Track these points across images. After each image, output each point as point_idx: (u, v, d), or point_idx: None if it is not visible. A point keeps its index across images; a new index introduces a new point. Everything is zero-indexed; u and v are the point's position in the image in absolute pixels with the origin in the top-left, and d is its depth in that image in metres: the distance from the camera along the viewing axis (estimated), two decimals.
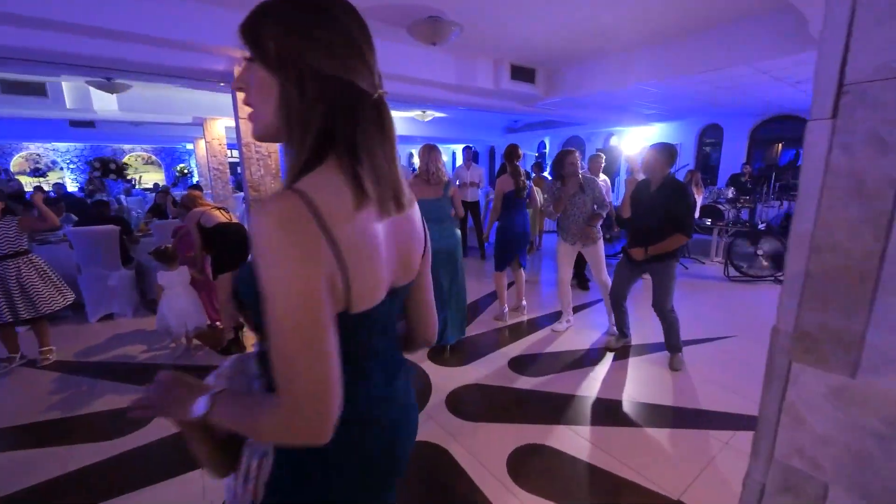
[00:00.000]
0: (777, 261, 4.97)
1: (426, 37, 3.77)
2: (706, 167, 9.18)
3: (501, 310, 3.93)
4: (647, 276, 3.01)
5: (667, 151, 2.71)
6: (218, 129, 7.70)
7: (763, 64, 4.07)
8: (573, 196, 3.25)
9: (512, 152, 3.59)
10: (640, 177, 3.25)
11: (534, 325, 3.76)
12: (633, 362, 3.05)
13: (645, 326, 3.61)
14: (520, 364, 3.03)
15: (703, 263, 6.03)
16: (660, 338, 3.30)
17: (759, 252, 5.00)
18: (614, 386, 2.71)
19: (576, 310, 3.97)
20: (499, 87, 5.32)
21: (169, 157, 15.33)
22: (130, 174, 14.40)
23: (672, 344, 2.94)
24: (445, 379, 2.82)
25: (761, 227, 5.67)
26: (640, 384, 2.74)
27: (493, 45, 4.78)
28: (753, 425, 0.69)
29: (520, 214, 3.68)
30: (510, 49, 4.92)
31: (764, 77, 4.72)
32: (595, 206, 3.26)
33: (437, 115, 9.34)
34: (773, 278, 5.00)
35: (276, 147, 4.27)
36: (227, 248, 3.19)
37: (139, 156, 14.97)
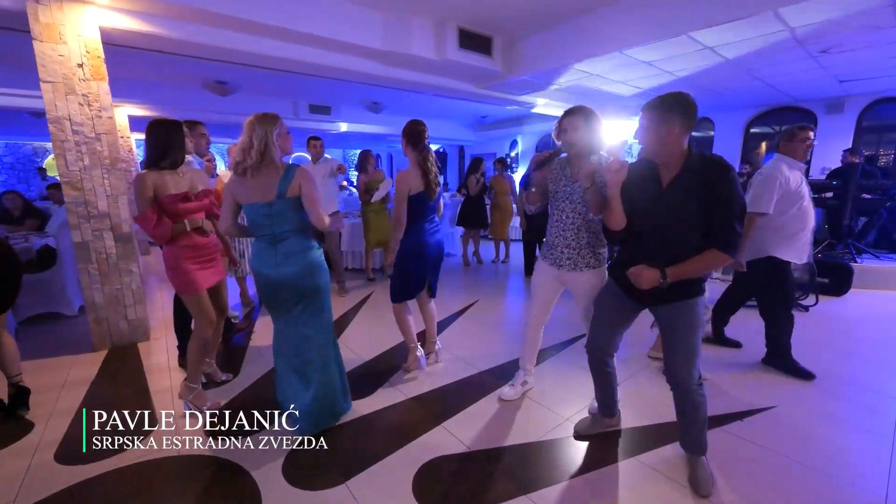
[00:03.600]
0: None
1: None
2: None
3: (414, 355, 2.68)
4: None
5: (679, 104, 1.47)
6: (119, 117, 6.36)
7: (788, 12, 2.98)
8: (568, 185, 1.96)
9: (413, 131, 2.39)
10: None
11: (474, 387, 2.52)
12: (626, 471, 1.81)
13: (634, 395, 2.42)
14: (432, 479, 1.77)
15: None
16: (661, 414, 2.11)
17: None
18: None
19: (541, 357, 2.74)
20: (443, 57, 4.12)
21: None
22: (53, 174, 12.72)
23: (693, 440, 1.72)
24: None
25: None
26: None
27: None
28: None
29: (432, 224, 2.53)
30: (457, 5, 3.72)
31: (783, 37, 3.62)
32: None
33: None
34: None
35: (107, 127, 2.94)
36: None
37: None
